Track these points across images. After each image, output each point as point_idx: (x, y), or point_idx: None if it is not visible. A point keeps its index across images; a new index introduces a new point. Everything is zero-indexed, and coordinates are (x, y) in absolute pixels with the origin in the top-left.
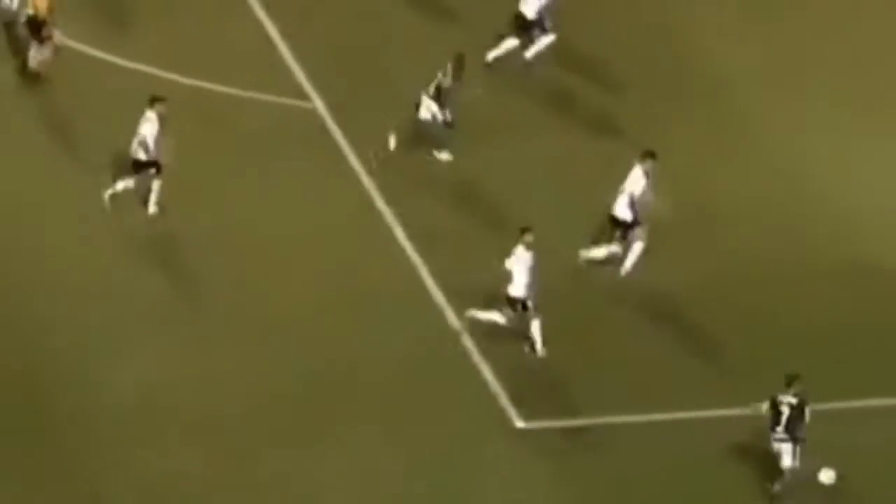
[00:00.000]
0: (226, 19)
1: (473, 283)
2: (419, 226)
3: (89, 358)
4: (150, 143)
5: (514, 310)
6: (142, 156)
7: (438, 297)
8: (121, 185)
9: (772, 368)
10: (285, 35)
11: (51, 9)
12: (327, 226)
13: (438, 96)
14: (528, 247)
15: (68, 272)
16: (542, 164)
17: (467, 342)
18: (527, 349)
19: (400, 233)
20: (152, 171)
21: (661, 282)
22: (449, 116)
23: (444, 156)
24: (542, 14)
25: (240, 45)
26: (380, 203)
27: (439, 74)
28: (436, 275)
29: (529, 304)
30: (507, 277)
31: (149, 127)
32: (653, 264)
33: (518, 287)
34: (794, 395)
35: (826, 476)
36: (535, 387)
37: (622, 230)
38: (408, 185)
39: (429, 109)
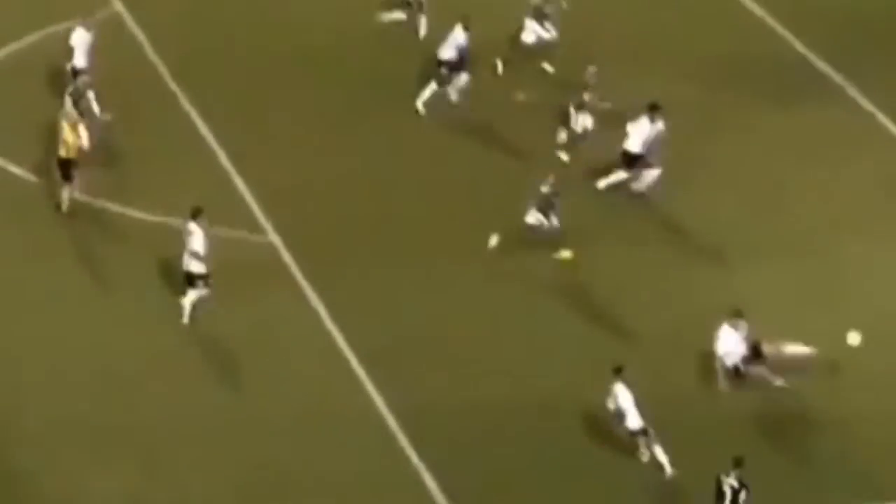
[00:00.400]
0: (192, 163)
1: (421, 403)
2: (374, 354)
3: (60, 468)
4: (203, 253)
5: (641, 436)
6: (197, 268)
7: (388, 417)
8: (192, 297)
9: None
10: (245, 175)
11: (78, 149)
12: (284, 352)
13: (544, 205)
14: (625, 383)
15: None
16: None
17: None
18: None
19: (355, 363)
20: (202, 281)
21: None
22: (556, 221)
23: (566, 253)
24: (647, 148)
25: (204, 186)
26: (341, 342)
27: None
28: (381, 391)
29: (650, 431)
30: (618, 415)
31: (197, 239)
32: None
33: (634, 419)
34: (736, 478)
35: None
36: (477, 491)
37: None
38: (365, 316)
39: (536, 217)
